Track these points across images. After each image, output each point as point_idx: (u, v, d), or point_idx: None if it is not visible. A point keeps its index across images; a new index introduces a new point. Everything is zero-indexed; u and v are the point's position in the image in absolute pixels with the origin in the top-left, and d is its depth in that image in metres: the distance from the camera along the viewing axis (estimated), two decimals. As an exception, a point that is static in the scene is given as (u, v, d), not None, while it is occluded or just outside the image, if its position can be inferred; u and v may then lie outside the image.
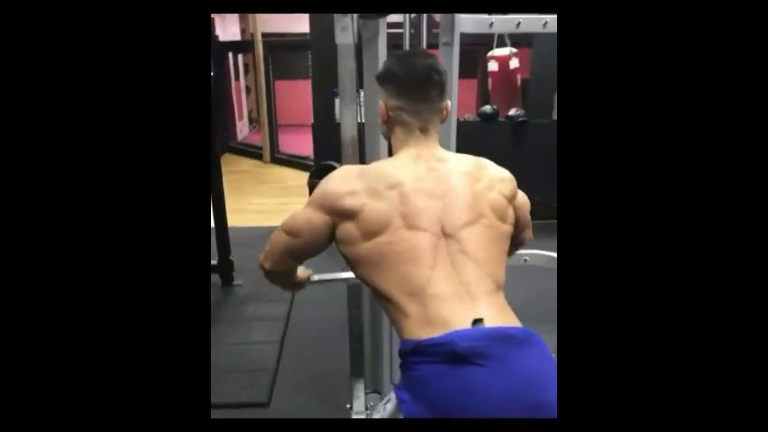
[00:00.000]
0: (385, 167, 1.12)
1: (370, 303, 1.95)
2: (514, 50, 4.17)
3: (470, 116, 4.71)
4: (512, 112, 4.13)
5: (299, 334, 2.70)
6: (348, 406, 1.95)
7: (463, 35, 1.98)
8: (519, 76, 4.28)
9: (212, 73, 7.18)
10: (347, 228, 1.08)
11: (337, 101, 4.22)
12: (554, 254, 2.33)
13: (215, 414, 2.06)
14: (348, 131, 1.72)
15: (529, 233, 1.29)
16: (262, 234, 4.20)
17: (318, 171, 4.17)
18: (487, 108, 4.27)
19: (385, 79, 1.17)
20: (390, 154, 1.25)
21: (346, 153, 1.73)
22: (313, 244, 1.15)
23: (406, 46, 1.92)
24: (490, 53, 4.23)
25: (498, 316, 0.99)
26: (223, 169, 6.96)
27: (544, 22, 2.04)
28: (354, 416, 1.95)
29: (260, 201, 4.84)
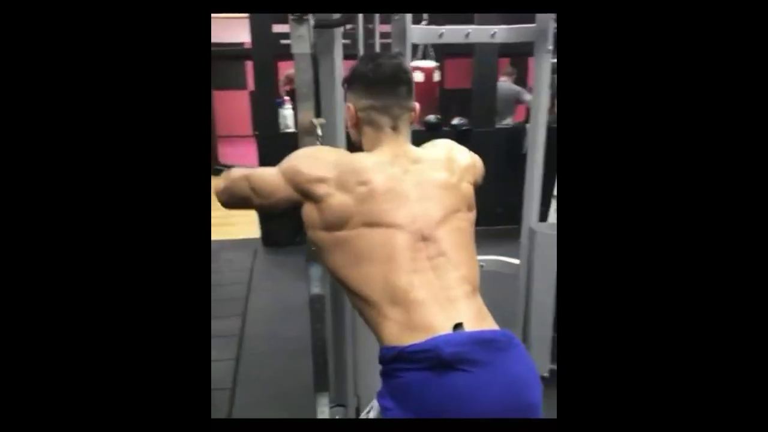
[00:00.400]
0: (361, 161, 1.10)
1: (333, 316, 1.93)
2: (437, 64, 4.25)
3: (414, 125, 4.76)
4: (456, 120, 4.21)
5: (255, 350, 2.63)
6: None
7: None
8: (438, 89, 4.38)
9: None
10: (310, 210, 1.09)
11: (281, 111, 4.17)
12: (504, 258, 2.39)
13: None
14: (305, 121, 1.68)
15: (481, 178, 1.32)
16: (212, 249, 3.99)
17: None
18: (432, 117, 4.32)
19: (352, 80, 1.18)
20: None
21: (302, 141, 1.68)
22: (271, 208, 1.16)
23: (361, 51, 1.93)
24: (414, 63, 4.29)
25: (477, 319, 1.00)
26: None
27: (493, 33, 2.09)
28: (319, 431, 1.91)
29: (202, 215, 4.71)
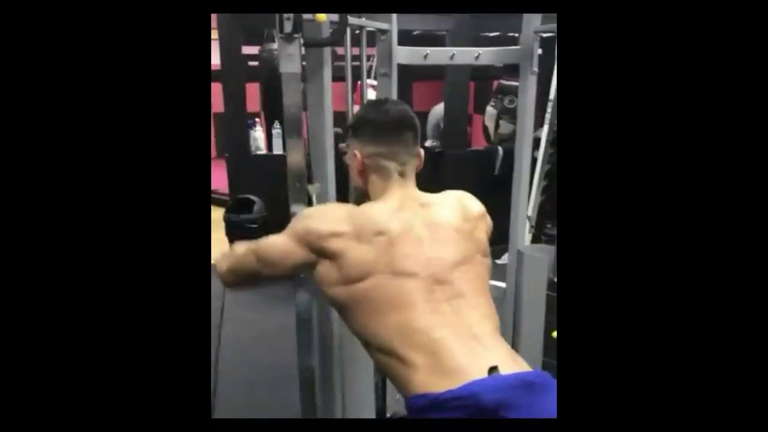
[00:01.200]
0: (372, 212, 1.07)
1: (320, 343, 1.85)
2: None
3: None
4: (428, 143, 4.22)
5: (230, 379, 2.50)
6: (300, 458, 1.82)
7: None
8: None
9: None
10: (327, 269, 1.04)
11: (252, 133, 4.09)
12: (494, 282, 2.36)
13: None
14: (295, 164, 1.63)
15: None
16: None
17: (235, 205, 3.98)
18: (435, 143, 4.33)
19: (358, 126, 1.15)
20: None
21: (294, 187, 1.63)
22: (282, 275, 1.12)
23: (349, 76, 1.90)
24: (369, 81, 4.29)
25: (510, 360, 0.96)
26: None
27: (477, 55, 2.09)
28: (307, 468, 1.81)
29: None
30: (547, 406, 0.89)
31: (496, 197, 2.19)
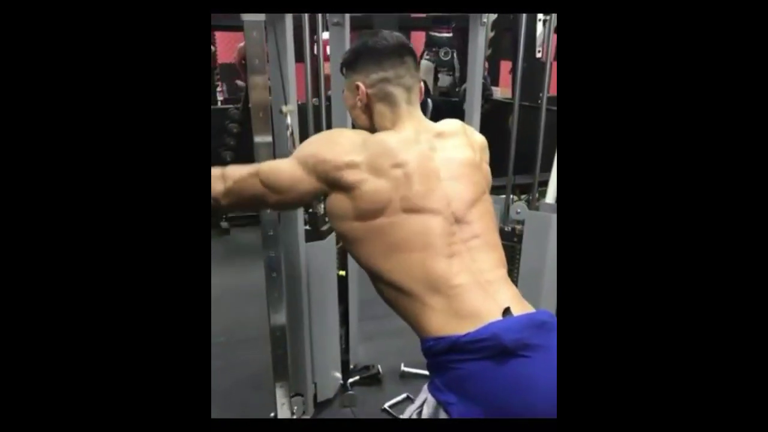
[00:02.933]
0: (389, 141, 1.03)
1: (288, 302, 1.82)
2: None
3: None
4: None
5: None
6: (272, 414, 1.82)
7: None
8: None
9: None
10: (340, 200, 1.00)
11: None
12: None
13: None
14: (258, 97, 1.54)
15: None
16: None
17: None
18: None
19: (357, 58, 1.10)
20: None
21: (257, 116, 1.55)
22: (291, 204, 1.07)
23: (306, 22, 1.83)
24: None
25: (520, 303, 0.99)
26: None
27: None
28: (280, 424, 1.82)
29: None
30: (555, 345, 0.92)
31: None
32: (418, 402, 1.00)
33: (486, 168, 1.13)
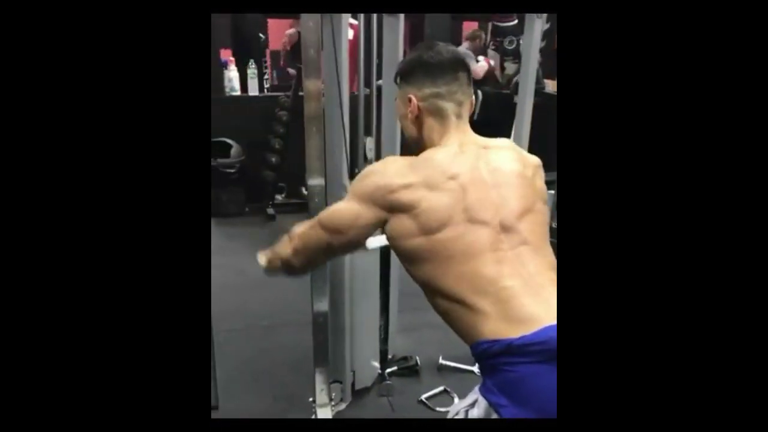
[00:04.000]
0: (437, 158, 1.04)
1: (331, 291, 1.85)
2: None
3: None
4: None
5: (227, 327, 2.50)
6: (311, 399, 1.85)
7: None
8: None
9: None
10: (402, 222, 1.01)
11: (227, 73, 3.92)
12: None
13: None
14: (312, 108, 1.58)
15: None
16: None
17: (211, 149, 3.84)
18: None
19: (410, 70, 1.10)
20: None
21: (311, 131, 1.58)
22: (356, 241, 1.07)
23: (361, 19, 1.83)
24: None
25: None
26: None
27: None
28: (319, 409, 1.85)
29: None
30: None
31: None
32: (468, 401, 1.00)
33: (539, 185, 1.11)
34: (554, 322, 0.91)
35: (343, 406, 1.99)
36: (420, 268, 1.02)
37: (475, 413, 0.96)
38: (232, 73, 3.95)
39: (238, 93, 3.99)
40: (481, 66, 4.08)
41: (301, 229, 1.12)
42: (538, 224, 1.04)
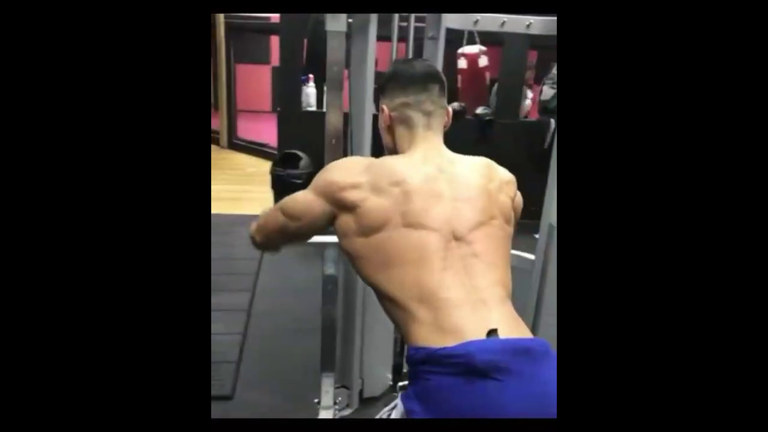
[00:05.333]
0: (391, 163, 1.09)
1: (344, 298, 1.92)
2: (483, 48, 4.18)
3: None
4: (480, 110, 4.16)
5: (261, 325, 2.64)
6: (316, 401, 1.92)
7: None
8: (488, 75, 4.30)
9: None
10: (346, 221, 1.07)
11: (305, 89, 4.13)
12: (527, 255, 2.36)
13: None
14: (333, 121, 1.68)
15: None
16: (220, 223, 4.05)
17: (281, 160, 4.08)
18: (455, 105, 4.29)
19: (385, 83, 1.18)
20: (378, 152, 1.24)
21: (330, 143, 1.68)
22: (308, 229, 1.15)
23: (395, 36, 1.90)
24: (460, 50, 4.24)
25: (512, 326, 0.97)
26: (179, 152, 6.65)
27: (528, 23, 2.05)
28: (321, 410, 1.91)
29: (217, 188, 4.69)
30: (543, 375, 0.91)
31: (544, 171, 2.17)
32: (391, 405, 1.02)
33: (503, 200, 1.12)
34: (482, 336, 0.92)
35: (348, 411, 2.04)
36: (363, 266, 1.06)
37: (394, 416, 0.99)
38: (310, 90, 4.15)
39: (314, 109, 4.18)
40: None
41: (269, 210, 1.21)
42: (493, 238, 1.05)
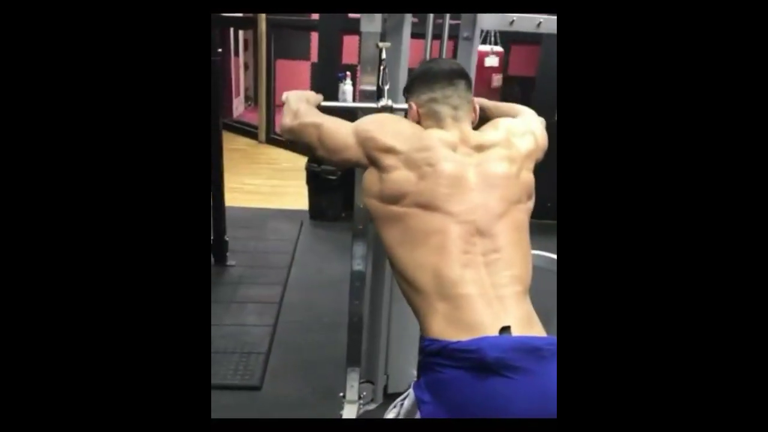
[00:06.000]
0: (433, 139, 1.10)
1: (372, 294, 1.94)
2: (497, 48, 4.09)
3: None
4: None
5: (291, 318, 2.68)
6: (341, 394, 1.95)
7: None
8: (497, 76, 4.22)
9: (218, 49, 6.96)
10: (372, 177, 1.10)
11: (342, 86, 4.18)
12: (553, 255, 2.34)
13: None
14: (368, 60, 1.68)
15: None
16: (255, 216, 4.14)
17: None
18: (491, 104, 4.27)
19: (412, 82, 1.20)
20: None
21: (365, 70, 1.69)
22: (332, 163, 1.18)
23: (429, 36, 1.91)
24: (481, 48, 4.20)
25: (526, 324, 0.99)
26: (219, 146, 6.80)
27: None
28: (346, 405, 1.94)
29: (254, 182, 4.78)
30: (550, 374, 0.91)
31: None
32: (404, 394, 1.05)
33: (524, 175, 1.13)
34: (496, 333, 0.93)
35: (373, 406, 2.06)
36: (382, 229, 1.09)
37: (405, 405, 1.02)
38: (347, 87, 4.19)
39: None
40: None
41: (308, 118, 1.17)
42: (516, 226, 1.07)
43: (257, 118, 6.47)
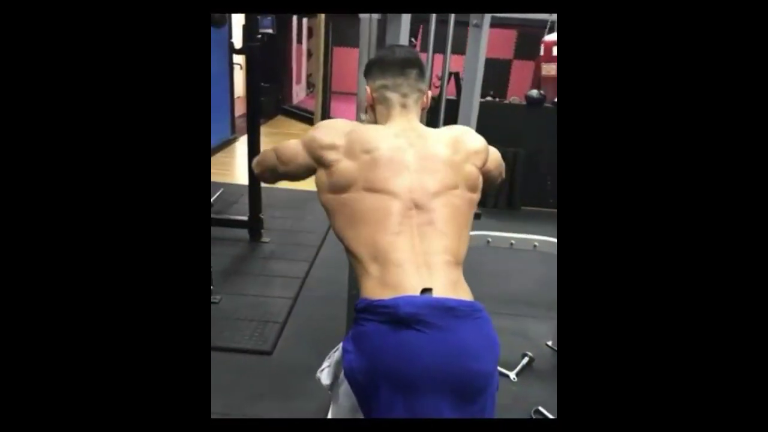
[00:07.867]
0: (368, 132, 1.20)
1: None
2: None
3: (516, 99, 4.67)
4: (533, 93, 4.09)
5: (311, 293, 2.83)
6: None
7: (523, 18, 2.02)
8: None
9: (271, 32, 7.09)
10: (321, 176, 1.21)
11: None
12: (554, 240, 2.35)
13: (220, 357, 2.18)
14: (363, 101, 1.77)
15: (502, 174, 1.42)
16: (295, 197, 4.29)
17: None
18: (534, 92, 4.24)
19: (369, 67, 1.31)
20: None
21: (360, 119, 1.78)
22: (293, 174, 1.29)
23: (432, 23, 1.97)
24: (543, 38, 4.17)
25: (450, 289, 1.06)
26: (272, 130, 7.10)
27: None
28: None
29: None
30: (459, 333, 1.00)
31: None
32: (336, 347, 1.16)
33: (468, 168, 1.20)
34: (416, 293, 1.02)
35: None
36: (332, 218, 1.19)
37: (335, 356, 1.13)
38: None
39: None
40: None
41: (269, 148, 1.36)
42: (452, 207, 1.14)
43: (314, 104, 6.66)
